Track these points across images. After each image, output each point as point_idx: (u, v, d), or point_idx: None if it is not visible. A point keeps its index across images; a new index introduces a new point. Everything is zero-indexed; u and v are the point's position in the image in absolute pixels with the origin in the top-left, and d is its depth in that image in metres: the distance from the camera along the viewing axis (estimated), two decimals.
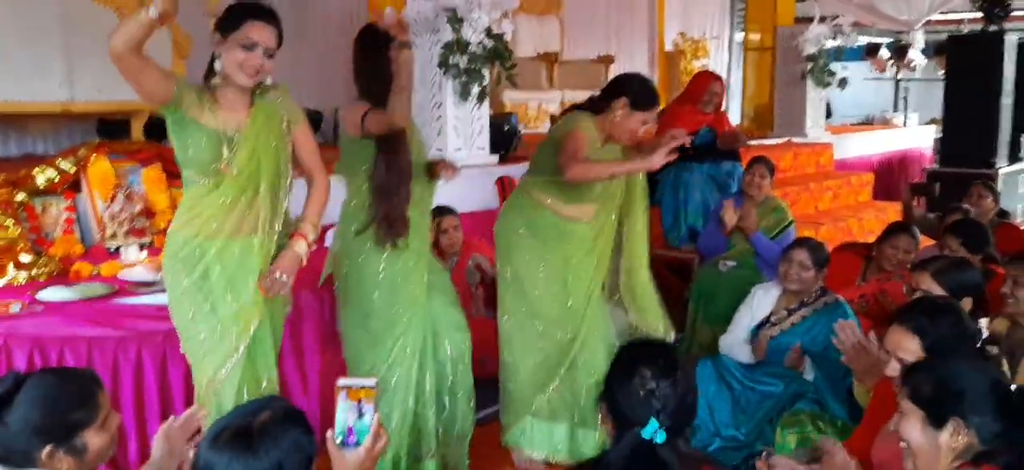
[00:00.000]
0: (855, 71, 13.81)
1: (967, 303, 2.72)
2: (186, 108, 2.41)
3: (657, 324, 3.57)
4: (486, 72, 5.36)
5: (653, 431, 1.79)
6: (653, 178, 5.68)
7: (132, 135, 5.83)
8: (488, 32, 5.32)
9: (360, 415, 1.75)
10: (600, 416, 1.93)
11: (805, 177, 7.35)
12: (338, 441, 1.72)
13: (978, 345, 2.33)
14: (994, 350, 2.37)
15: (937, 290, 2.72)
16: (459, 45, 5.24)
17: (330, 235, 3.85)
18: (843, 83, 8.26)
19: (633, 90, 3.24)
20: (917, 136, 10.96)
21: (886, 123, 12.24)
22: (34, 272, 3.43)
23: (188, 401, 3.27)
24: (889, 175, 9.36)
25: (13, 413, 1.75)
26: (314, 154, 2.73)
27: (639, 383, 1.82)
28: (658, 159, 3.04)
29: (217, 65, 2.46)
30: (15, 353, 2.88)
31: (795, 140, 8.08)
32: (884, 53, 11.04)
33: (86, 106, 5.69)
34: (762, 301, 3.80)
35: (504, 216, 3.50)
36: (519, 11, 8.87)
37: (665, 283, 5.74)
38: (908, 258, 4.04)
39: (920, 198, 6.34)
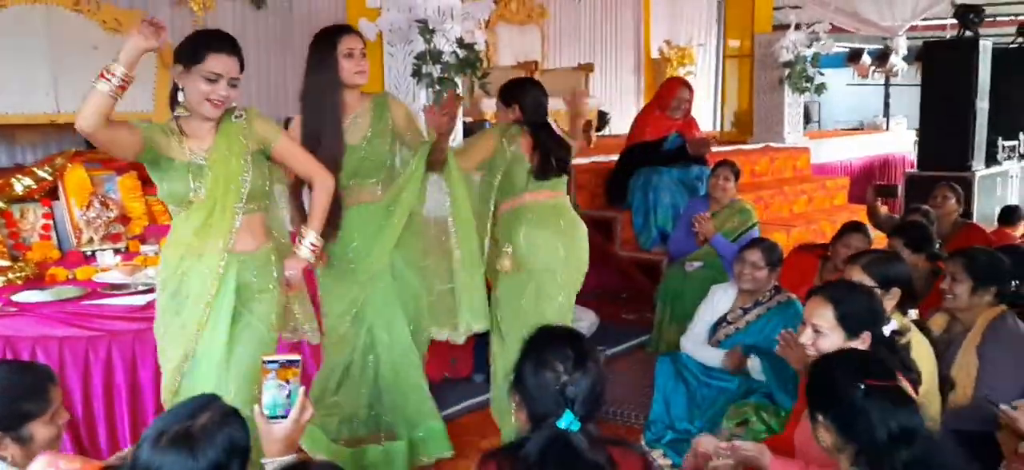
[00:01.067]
0: (837, 77, 13.95)
1: (896, 294, 2.85)
2: (158, 149, 2.48)
3: None
4: (459, 81, 5.48)
5: (569, 422, 1.86)
6: (624, 182, 5.84)
7: None
8: (460, 42, 5.46)
9: (286, 390, 1.86)
10: (514, 406, 1.97)
11: (780, 181, 7.47)
12: (267, 414, 1.84)
13: (887, 334, 2.45)
14: (902, 340, 2.50)
15: (867, 281, 2.84)
16: (432, 55, 5.37)
17: None
18: (821, 89, 8.37)
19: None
20: (899, 140, 11.07)
21: (876, 128, 12.36)
22: (11, 276, 3.56)
23: (157, 396, 3.40)
24: (869, 179, 9.48)
25: None
26: (305, 161, 2.79)
27: (553, 376, 1.88)
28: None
29: (180, 96, 2.50)
30: None
31: (773, 145, 8.19)
32: (866, 59, 11.16)
33: (72, 117, 5.74)
34: (720, 300, 3.92)
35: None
36: (499, 20, 9.07)
37: (635, 283, 5.92)
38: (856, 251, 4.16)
39: (891, 200, 6.46)
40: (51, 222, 3.95)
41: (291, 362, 1.86)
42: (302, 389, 1.87)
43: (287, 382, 1.85)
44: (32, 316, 3.19)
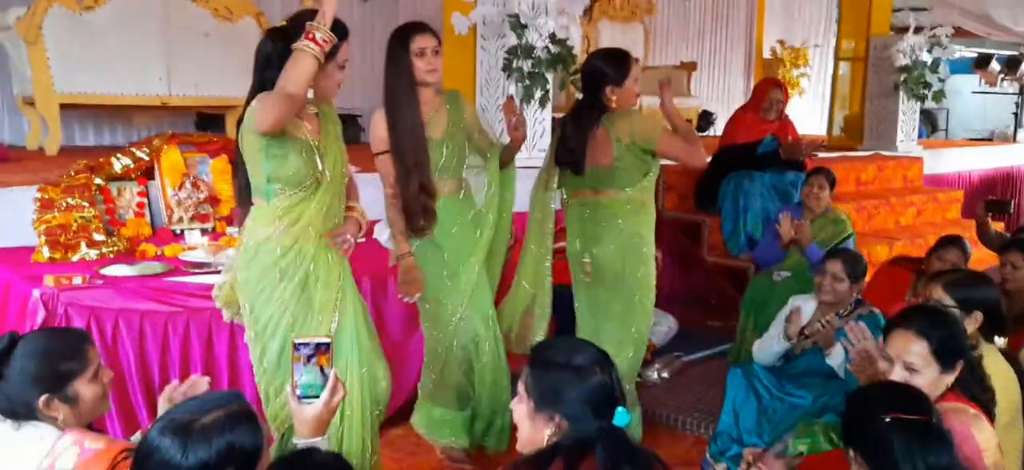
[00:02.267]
0: (964, 83, 13.18)
1: (977, 318, 2.67)
2: (291, 133, 2.52)
3: None
4: (549, 76, 5.46)
5: (623, 417, 1.82)
6: (714, 185, 5.69)
7: (227, 130, 6.20)
8: (553, 37, 5.44)
9: (318, 371, 1.88)
10: (540, 422, 1.87)
11: (888, 191, 7.11)
12: (298, 395, 1.87)
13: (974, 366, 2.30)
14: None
15: (947, 302, 2.67)
16: (523, 50, 5.36)
17: (377, 229, 4.07)
18: (939, 96, 7.93)
19: (608, 72, 3.37)
20: None
21: (1006, 140, 11.62)
22: (104, 249, 3.75)
23: (232, 370, 3.54)
24: (990, 193, 8.92)
25: (11, 366, 1.98)
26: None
27: (598, 380, 1.83)
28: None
29: (309, 92, 2.50)
30: (74, 320, 3.18)
31: (884, 153, 7.82)
32: (995, 66, 10.49)
33: (183, 100, 6.11)
34: (800, 312, 3.77)
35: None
36: (602, 16, 8.99)
37: (721, 290, 5.75)
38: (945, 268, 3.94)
39: (1003, 217, 6.06)
40: (145, 200, 4.14)
41: (323, 345, 1.89)
42: (334, 371, 1.90)
43: (319, 365, 1.88)
44: (117, 289, 3.35)
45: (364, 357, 2.72)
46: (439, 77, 3.20)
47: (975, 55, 10.93)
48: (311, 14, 2.50)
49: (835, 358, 3.46)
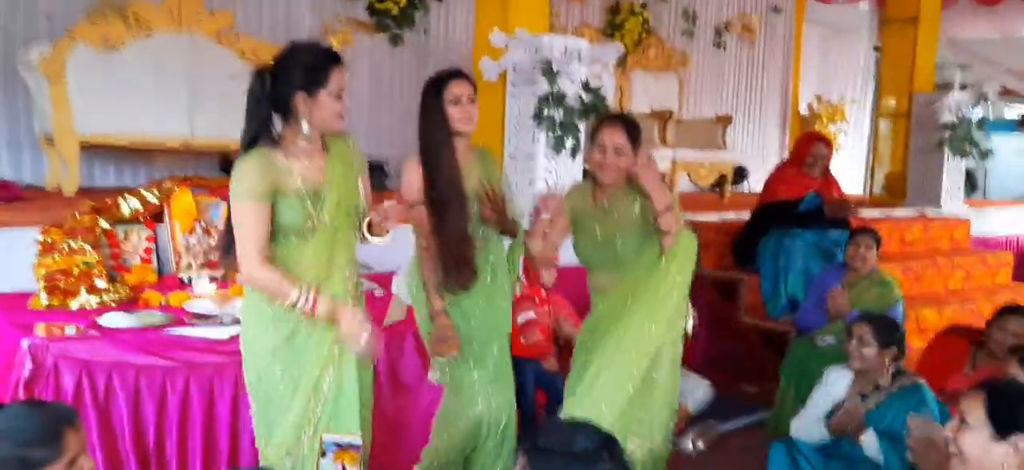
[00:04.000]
0: (1007, 143, 12.82)
1: None
2: (278, 187, 2.38)
3: None
4: (581, 126, 5.25)
5: None
6: (753, 243, 5.42)
7: None
8: (586, 86, 5.24)
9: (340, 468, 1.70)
10: None
11: (934, 252, 6.80)
12: None
13: None
14: None
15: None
16: (555, 98, 5.17)
17: (395, 281, 3.84)
18: (986, 154, 7.63)
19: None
20: None
21: None
22: (106, 297, 3.55)
23: (232, 434, 3.30)
24: None
25: None
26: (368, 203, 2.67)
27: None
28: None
29: (304, 127, 2.39)
30: (63, 374, 2.97)
31: (928, 212, 7.50)
32: None
33: (206, 142, 5.98)
34: (835, 383, 3.47)
35: None
36: (636, 66, 8.80)
37: (757, 353, 5.44)
38: (1020, 343, 3.63)
39: None
40: (153, 245, 3.95)
41: (351, 445, 1.68)
42: None
43: (342, 462, 1.67)
44: (112, 341, 3.14)
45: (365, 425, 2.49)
46: (474, 126, 2.97)
47: (1020, 116, 10.59)
48: (313, 55, 2.39)
49: (869, 446, 3.15)
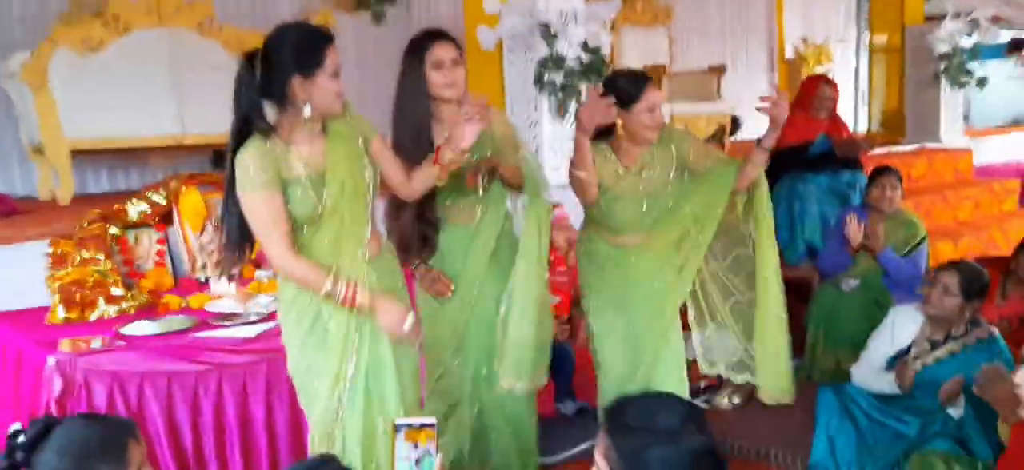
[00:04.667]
0: (997, 70, 12.81)
1: None
2: (284, 176, 2.29)
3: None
4: (583, 88, 5.15)
5: None
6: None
7: None
8: (585, 46, 5.13)
9: (417, 455, 1.71)
10: None
11: (941, 185, 6.77)
12: None
13: None
14: None
15: None
16: (554, 61, 5.06)
17: None
18: (982, 82, 7.59)
19: (616, 92, 2.87)
20: None
21: None
22: (124, 306, 3.44)
23: (269, 434, 3.21)
24: None
25: (41, 457, 1.70)
26: (396, 165, 2.56)
27: (694, 443, 1.51)
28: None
29: (306, 111, 2.27)
30: (95, 389, 2.87)
31: (929, 146, 7.47)
32: None
33: (199, 138, 5.83)
34: (903, 328, 3.37)
35: None
36: (624, 22, 8.67)
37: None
38: None
39: None
40: (165, 248, 3.84)
41: (425, 425, 1.62)
42: (439, 457, 1.61)
43: (417, 445, 1.62)
44: (140, 350, 3.04)
45: (405, 394, 2.43)
46: (460, 92, 2.79)
47: (1007, 41, 10.58)
48: (308, 36, 2.28)
49: (958, 406, 3.07)
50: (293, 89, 2.25)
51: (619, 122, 2.90)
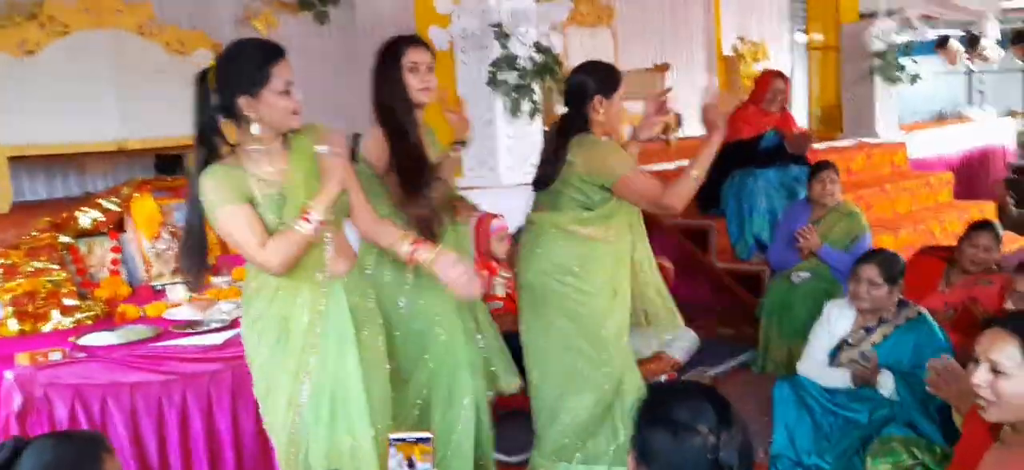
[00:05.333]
0: (925, 66, 13.27)
1: None
2: (246, 195, 2.27)
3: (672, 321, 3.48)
4: (537, 87, 5.18)
5: None
6: (717, 185, 5.43)
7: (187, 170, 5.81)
8: (537, 46, 5.16)
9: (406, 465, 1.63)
10: None
11: (880, 179, 6.98)
12: None
13: None
14: None
15: None
16: (507, 61, 5.08)
17: None
18: (915, 79, 7.85)
19: (597, 82, 3.01)
20: (997, 130, 10.43)
21: (960, 118, 11.68)
22: (79, 316, 3.35)
23: (235, 444, 3.16)
24: (970, 173, 8.89)
25: None
26: (362, 203, 2.53)
27: (700, 442, 1.53)
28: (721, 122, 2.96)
29: (254, 129, 2.25)
30: (56, 403, 2.79)
31: (866, 140, 7.70)
32: (955, 45, 10.53)
33: (142, 143, 5.69)
34: (838, 320, 3.50)
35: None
36: (570, 23, 8.72)
37: (734, 298, 5.50)
38: (990, 257, 3.81)
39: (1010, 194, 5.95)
40: (120, 256, 3.73)
41: (421, 439, 1.61)
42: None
43: (412, 460, 1.60)
44: (101, 361, 2.96)
45: (375, 415, 2.35)
46: (432, 97, 2.82)
47: (936, 38, 10.96)
48: (250, 52, 2.27)
49: (885, 386, 3.20)
50: (240, 108, 2.25)
51: (599, 112, 2.99)
